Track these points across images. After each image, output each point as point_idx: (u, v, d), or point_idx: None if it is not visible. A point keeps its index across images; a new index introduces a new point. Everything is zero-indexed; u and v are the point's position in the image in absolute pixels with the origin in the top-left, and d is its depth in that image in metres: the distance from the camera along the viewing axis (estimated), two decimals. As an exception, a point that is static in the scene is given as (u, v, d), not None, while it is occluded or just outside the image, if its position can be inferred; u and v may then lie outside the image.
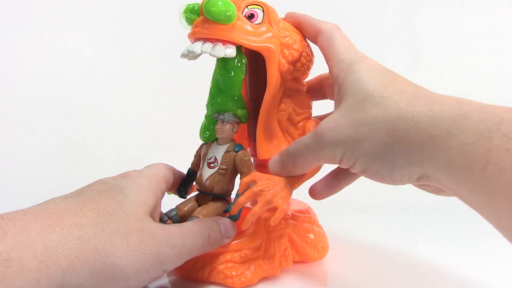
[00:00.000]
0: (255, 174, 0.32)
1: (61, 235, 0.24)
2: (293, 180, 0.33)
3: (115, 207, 0.27)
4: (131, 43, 0.80)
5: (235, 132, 0.34)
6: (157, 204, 0.31)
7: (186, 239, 0.28)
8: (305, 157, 0.31)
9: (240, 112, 0.34)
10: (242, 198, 0.31)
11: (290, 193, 0.33)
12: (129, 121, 0.77)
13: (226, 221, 0.32)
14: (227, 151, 0.33)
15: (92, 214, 0.26)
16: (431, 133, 0.25)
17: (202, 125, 0.36)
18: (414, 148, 0.25)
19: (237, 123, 0.34)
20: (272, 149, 0.35)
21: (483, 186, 0.22)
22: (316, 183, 0.36)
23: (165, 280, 0.33)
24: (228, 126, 0.33)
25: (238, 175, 0.34)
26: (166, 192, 0.35)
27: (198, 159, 0.36)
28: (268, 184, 0.31)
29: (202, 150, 0.35)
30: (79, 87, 0.77)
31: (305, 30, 0.35)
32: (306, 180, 0.35)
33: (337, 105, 0.31)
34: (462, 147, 0.23)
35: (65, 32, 0.78)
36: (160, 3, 0.79)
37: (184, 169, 0.37)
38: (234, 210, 0.32)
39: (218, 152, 0.34)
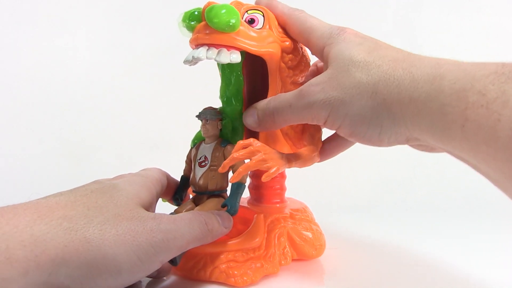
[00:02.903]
0: (253, 139, 0.31)
1: (49, 226, 0.23)
2: (291, 156, 0.32)
3: (106, 200, 0.27)
4: (131, 44, 0.80)
5: (220, 129, 0.35)
6: (152, 202, 0.31)
7: (178, 225, 0.28)
8: (286, 115, 0.31)
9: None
10: (237, 154, 0.30)
11: (284, 165, 0.32)
12: (129, 122, 0.77)
13: (221, 212, 0.32)
14: (215, 148, 0.34)
15: (82, 208, 0.26)
16: (412, 95, 0.25)
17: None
18: (397, 110, 0.26)
19: (220, 120, 0.34)
20: None
21: (465, 143, 0.23)
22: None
23: (165, 280, 0.33)
24: (211, 124, 0.34)
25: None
26: (161, 199, 0.35)
27: (190, 163, 0.36)
28: (266, 148, 0.31)
29: (192, 154, 0.36)
30: (79, 88, 0.77)
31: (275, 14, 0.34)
32: (301, 166, 0.34)
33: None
34: (442, 108, 0.24)
35: (65, 32, 0.78)
36: (159, 4, 0.79)
37: (183, 170, 0.37)
38: (225, 166, 0.30)
39: (207, 150, 0.34)
